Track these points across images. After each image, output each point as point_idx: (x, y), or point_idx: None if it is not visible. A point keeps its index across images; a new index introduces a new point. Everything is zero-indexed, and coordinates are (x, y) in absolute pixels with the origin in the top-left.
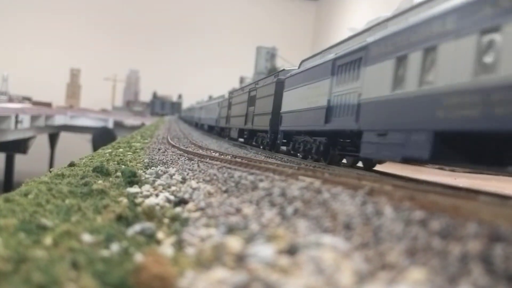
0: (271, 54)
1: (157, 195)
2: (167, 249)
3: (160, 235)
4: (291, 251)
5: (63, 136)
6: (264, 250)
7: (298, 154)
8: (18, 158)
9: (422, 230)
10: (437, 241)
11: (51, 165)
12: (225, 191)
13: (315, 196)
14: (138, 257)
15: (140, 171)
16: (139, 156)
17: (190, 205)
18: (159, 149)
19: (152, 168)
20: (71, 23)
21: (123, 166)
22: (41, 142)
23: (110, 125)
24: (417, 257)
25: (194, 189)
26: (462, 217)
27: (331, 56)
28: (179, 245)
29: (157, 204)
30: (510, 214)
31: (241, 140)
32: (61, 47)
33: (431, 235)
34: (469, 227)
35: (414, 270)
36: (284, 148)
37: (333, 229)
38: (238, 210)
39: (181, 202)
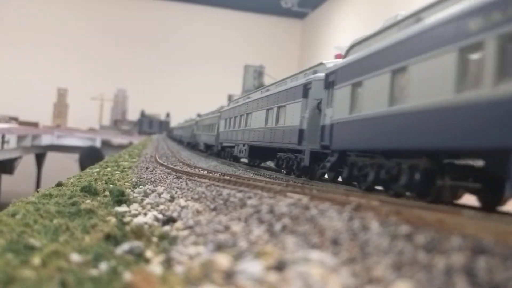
0: (259, 72)
1: (145, 214)
2: (155, 267)
3: (148, 253)
4: (279, 267)
5: (50, 156)
6: (252, 267)
7: None
8: (4, 179)
9: (408, 244)
10: (423, 254)
11: (37, 185)
12: (214, 209)
13: (303, 213)
14: (127, 276)
15: (128, 190)
16: (127, 175)
17: (179, 224)
18: (147, 168)
19: (140, 187)
20: (58, 43)
21: (111, 185)
22: (27, 162)
23: (98, 144)
24: (403, 270)
25: (182, 207)
26: (446, 231)
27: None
28: (168, 263)
29: (146, 223)
30: (493, 227)
31: None
32: (48, 66)
33: (417, 249)
34: (453, 241)
35: (400, 284)
36: None
37: (320, 244)
38: (227, 228)
39: (170, 220)
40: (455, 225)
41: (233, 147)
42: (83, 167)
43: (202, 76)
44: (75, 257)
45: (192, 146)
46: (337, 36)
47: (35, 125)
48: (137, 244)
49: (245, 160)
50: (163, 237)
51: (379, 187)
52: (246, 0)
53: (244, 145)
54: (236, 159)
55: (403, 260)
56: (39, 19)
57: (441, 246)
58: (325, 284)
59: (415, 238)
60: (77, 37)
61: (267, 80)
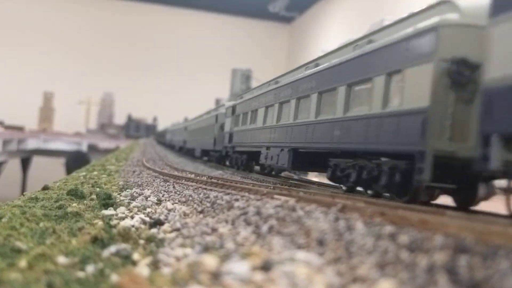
0: (247, 76)
1: (132, 217)
2: (143, 269)
3: (136, 256)
4: (266, 267)
5: (36, 160)
6: (239, 267)
7: None
8: None
9: (392, 244)
10: (406, 254)
11: (23, 190)
12: (201, 212)
13: (290, 214)
14: (114, 278)
15: (115, 194)
16: (114, 178)
17: (166, 226)
18: (134, 172)
19: (127, 190)
20: (44, 46)
21: (98, 188)
22: (13, 167)
23: (84, 148)
24: (386, 269)
25: (169, 210)
26: (429, 230)
27: None
28: (155, 265)
29: (133, 226)
30: (475, 227)
31: None
32: (34, 70)
33: (400, 248)
34: (436, 240)
35: (383, 282)
36: None
37: (306, 245)
38: (214, 230)
39: (157, 223)
40: (438, 224)
41: None
42: (69, 171)
43: (189, 80)
44: (62, 259)
45: (211, 158)
46: (324, 40)
47: (20, 129)
48: (124, 246)
49: None
50: (150, 239)
51: None
52: (233, 4)
53: None
54: None
55: (387, 259)
56: (25, 22)
57: (424, 245)
58: (311, 283)
59: (398, 238)
60: (64, 40)
61: (254, 84)
